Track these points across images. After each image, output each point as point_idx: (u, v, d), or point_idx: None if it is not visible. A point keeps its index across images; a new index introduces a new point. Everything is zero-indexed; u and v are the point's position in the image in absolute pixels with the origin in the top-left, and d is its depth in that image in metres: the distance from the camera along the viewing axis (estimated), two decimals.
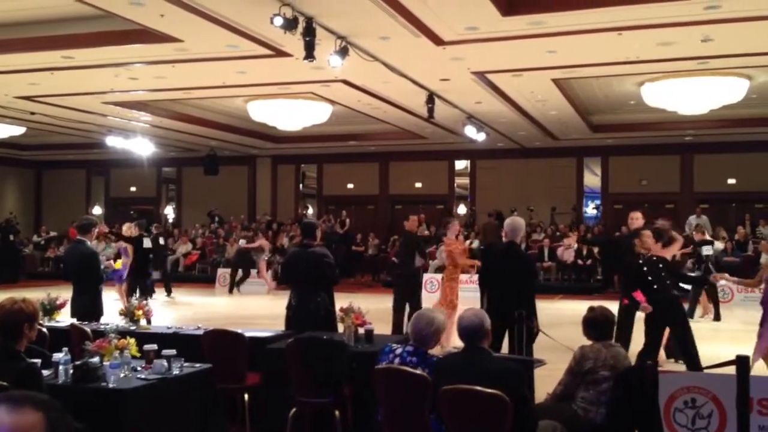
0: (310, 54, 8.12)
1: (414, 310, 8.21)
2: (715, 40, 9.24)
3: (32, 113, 15.34)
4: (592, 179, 21.28)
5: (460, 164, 21.98)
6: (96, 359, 4.07)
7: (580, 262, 17.10)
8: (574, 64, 10.75)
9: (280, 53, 9.92)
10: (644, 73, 11.89)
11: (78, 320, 6.16)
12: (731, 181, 19.14)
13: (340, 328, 5.64)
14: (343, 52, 8.80)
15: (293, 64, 10.22)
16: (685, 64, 10.78)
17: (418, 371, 3.81)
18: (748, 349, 4.69)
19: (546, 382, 4.62)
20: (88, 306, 6.55)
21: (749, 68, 11.48)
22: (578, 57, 10.26)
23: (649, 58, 10.34)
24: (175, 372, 4.25)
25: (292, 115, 14.36)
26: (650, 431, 4.08)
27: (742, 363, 3.98)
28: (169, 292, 15.08)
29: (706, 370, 4.67)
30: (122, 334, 4.51)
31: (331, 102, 14.10)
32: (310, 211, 22.99)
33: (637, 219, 8.37)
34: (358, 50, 9.37)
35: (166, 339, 5.14)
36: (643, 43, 9.47)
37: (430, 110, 12.65)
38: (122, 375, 4.09)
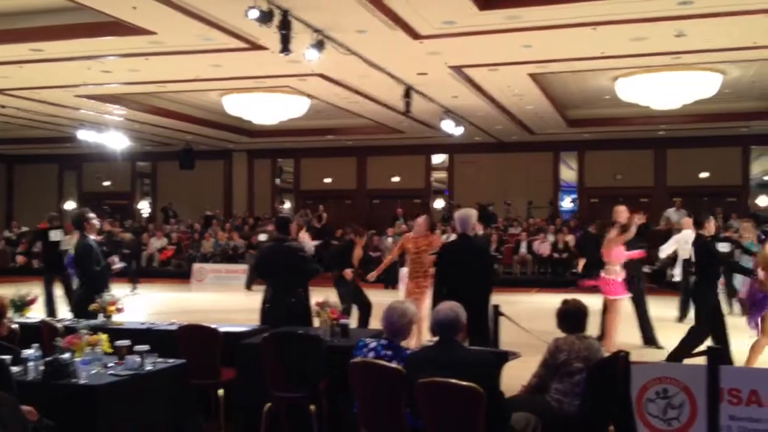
0: (285, 47, 8.06)
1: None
2: (688, 35, 9.35)
3: (2, 106, 15.08)
4: (568, 173, 21.43)
5: (438, 158, 22.03)
6: (67, 355, 4.01)
7: (556, 255, 17.24)
8: (549, 58, 10.82)
9: (255, 46, 9.84)
10: (618, 68, 11.99)
11: (75, 315, 6.27)
12: (704, 175, 19.41)
13: (316, 322, 5.62)
14: (319, 45, 8.75)
15: (269, 57, 10.15)
16: (659, 59, 10.89)
17: (393, 364, 3.82)
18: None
19: (520, 375, 4.64)
20: (78, 298, 6.61)
21: (722, 63, 11.63)
22: (554, 51, 10.32)
23: (623, 53, 10.44)
24: (149, 368, 4.21)
25: (267, 109, 14.27)
26: (623, 422, 4.13)
27: (712, 354, 4.04)
28: (134, 287, 14.82)
29: (677, 361, 4.73)
30: (95, 329, 4.46)
31: (308, 96, 14.03)
32: (287, 205, 22.88)
33: (622, 212, 8.44)
34: (334, 44, 9.32)
35: (140, 335, 5.08)
36: (618, 38, 9.55)
37: (407, 104, 12.65)
38: (94, 371, 4.05)
